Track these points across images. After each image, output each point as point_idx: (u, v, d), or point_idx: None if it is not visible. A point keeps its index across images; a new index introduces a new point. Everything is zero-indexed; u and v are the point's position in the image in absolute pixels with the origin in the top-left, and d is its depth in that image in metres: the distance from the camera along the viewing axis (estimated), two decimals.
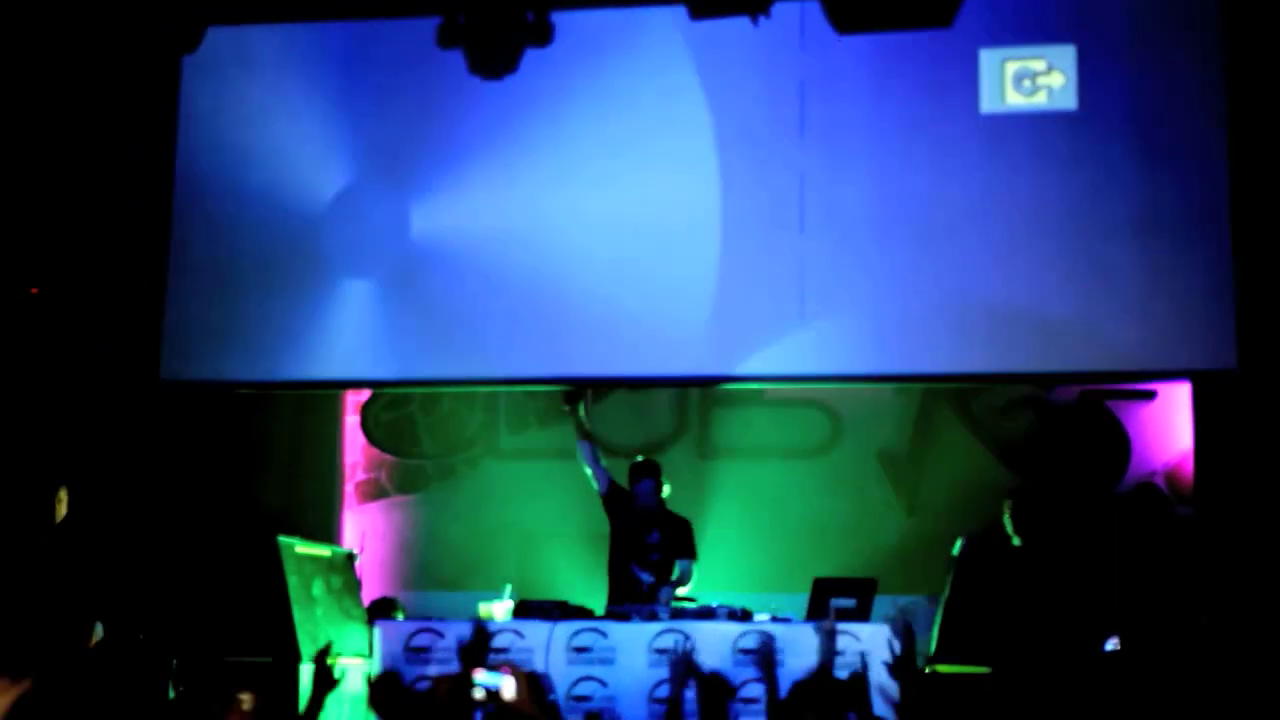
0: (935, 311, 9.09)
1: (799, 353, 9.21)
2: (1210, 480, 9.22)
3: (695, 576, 8.98)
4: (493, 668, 5.91)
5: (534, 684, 5.95)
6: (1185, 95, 9.02)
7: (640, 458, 9.27)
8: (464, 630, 6.54)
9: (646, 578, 8.80)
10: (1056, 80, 9.19)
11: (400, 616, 9.22)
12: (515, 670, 5.84)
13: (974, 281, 9.09)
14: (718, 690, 5.91)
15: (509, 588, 8.64)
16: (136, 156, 9.82)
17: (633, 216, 9.38)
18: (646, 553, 8.92)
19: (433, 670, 8.05)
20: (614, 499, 9.10)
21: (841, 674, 6.36)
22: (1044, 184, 9.10)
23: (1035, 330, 9.02)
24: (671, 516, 9.03)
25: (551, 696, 6.57)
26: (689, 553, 8.97)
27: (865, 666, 6.41)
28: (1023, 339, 9.05)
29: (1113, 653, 7.66)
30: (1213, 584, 8.13)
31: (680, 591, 8.82)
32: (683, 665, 6.14)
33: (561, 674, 8.01)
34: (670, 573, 8.89)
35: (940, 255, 9.12)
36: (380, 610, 9.26)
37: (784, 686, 5.90)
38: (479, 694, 5.89)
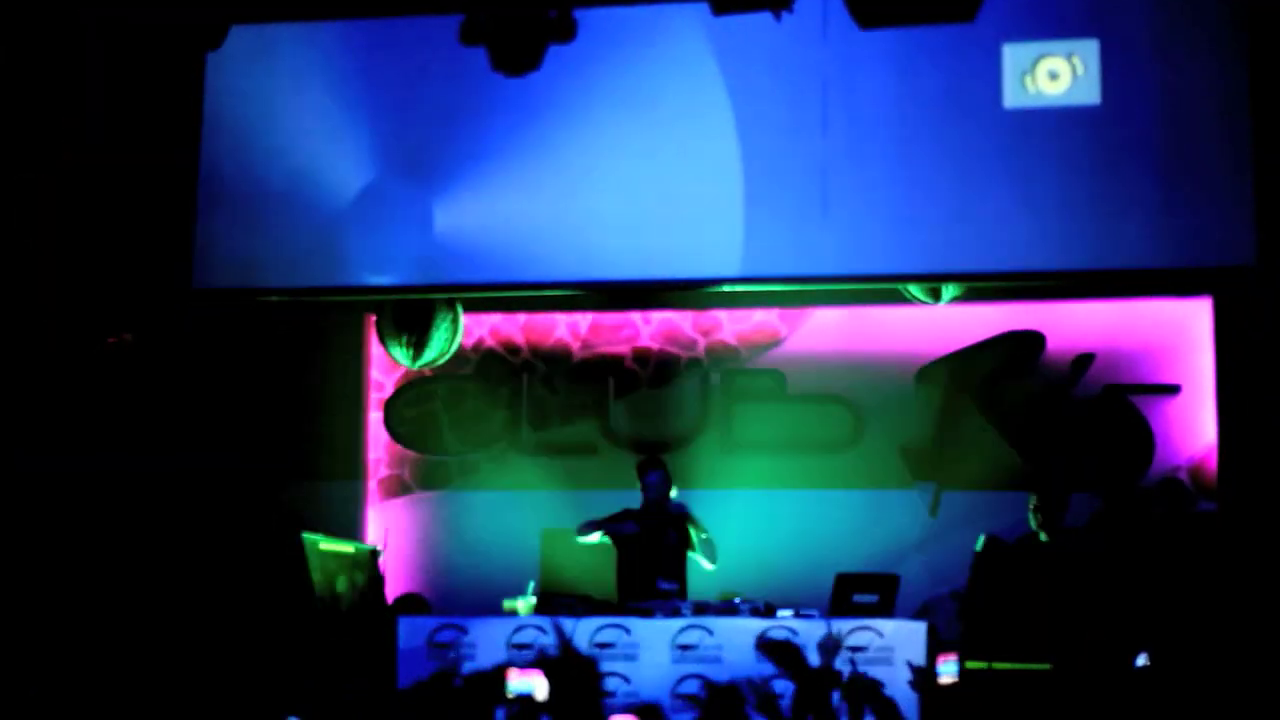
0: (955, 211, 9.13)
1: (822, 254, 9.23)
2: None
3: (717, 571, 9.06)
4: (526, 668, 5.92)
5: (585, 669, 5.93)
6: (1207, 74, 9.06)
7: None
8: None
9: (672, 586, 8.80)
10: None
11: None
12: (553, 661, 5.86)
13: (993, 181, 9.11)
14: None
15: (532, 584, 8.66)
16: (160, 154, 9.86)
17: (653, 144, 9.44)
18: (669, 559, 8.94)
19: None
20: (621, 533, 9.14)
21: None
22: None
23: (1054, 228, 9.02)
24: (675, 515, 9.08)
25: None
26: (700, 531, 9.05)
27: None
28: (1041, 237, 9.06)
29: (1145, 668, 7.63)
30: (1239, 576, 8.12)
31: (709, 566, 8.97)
32: None
33: None
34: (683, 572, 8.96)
35: (960, 155, 9.15)
36: (405, 606, 9.29)
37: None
38: (511, 698, 5.92)
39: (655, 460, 9.33)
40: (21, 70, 9.54)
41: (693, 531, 9.02)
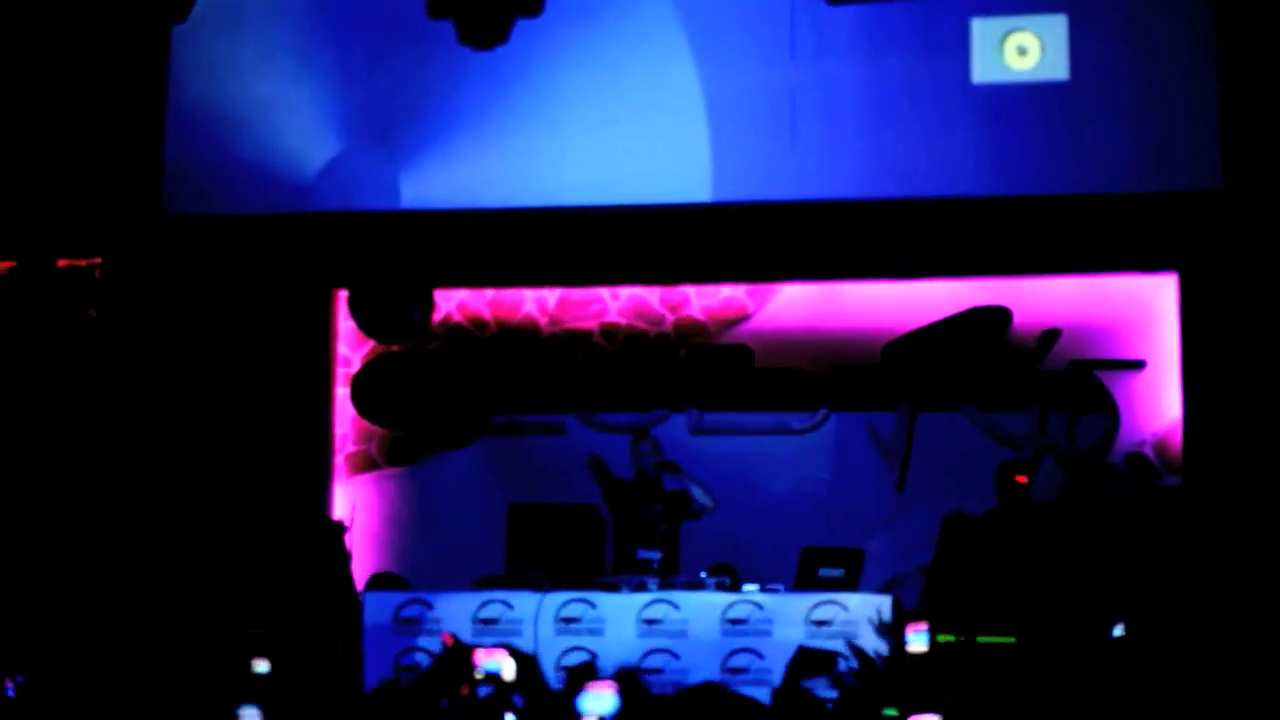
0: (924, 134, 9.15)
1: (790, 179, 9.32)
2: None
3: (685, 548, 9.05)
4: (491, 650, 5.95)
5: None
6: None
7: None
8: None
9: (655, 554, 8.79)
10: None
11: None
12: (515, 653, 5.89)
13: (963, 103, 9.12)
14: None
15: (501, 559, 8.66)
16: (125, 125, 9.83)
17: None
18: (652, 529, 8.92)
19: (422, 642, 8.08)
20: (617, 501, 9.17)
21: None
22: None
23: (1023, 151, 9.13)
24: (665, 491, 9.07)
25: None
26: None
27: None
28: (1012, 160, 9.16)
29: (1119, 639, 7.65)
30: (1200, 553, 8.16)
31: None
32: None
33: (550, 644, 8.02)
34: (673, 541, 8.93)
35: (929, 77, 9.16)
36: (381, 585, 9.27)
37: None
38: (480, 677, 5.94)
39: (644, 431, 9.44)
40: (21, 70, 9.54)
41: (694, 491, 9.00)
